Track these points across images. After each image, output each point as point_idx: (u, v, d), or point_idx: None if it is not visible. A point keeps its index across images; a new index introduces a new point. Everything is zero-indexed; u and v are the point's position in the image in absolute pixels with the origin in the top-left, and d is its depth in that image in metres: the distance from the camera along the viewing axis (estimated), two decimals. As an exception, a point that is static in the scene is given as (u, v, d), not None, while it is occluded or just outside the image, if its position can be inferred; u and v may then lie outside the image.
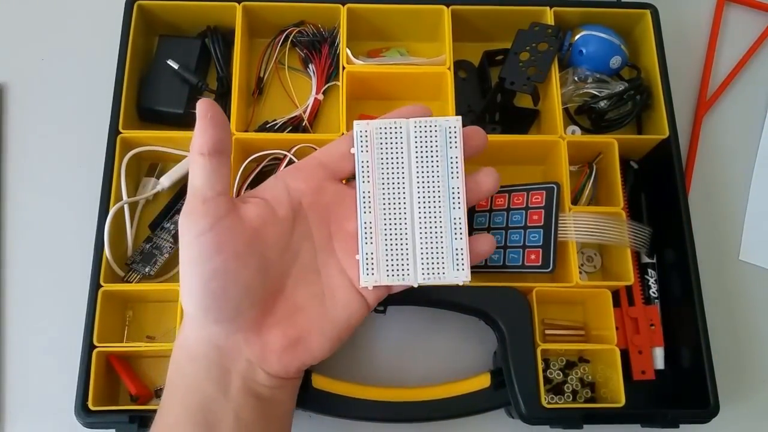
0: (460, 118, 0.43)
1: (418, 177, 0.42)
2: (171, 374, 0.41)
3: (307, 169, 0.43)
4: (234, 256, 0.38)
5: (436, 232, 0.42)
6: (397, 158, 0.43)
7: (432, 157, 0.42)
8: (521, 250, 0.55)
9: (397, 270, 0.42)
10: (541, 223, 0.55)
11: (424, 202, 0.42)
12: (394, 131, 0.43)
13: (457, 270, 0.42)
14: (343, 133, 0.57)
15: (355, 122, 0.43)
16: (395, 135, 0.43)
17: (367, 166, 0.43)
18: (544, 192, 0.56)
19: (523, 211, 0.56)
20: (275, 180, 0.43)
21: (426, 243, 0.42)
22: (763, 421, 0.59)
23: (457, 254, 0.42)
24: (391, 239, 0.42)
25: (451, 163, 0.42)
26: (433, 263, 0.42)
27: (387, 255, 0.42)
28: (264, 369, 0.41)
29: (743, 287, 0.62)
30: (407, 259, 0.42)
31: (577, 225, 0.54)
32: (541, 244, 0.54)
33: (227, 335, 0.40)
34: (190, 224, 0.38)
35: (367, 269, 0.42)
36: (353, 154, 0.43)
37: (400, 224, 0.42)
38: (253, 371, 0.40)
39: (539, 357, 0.52)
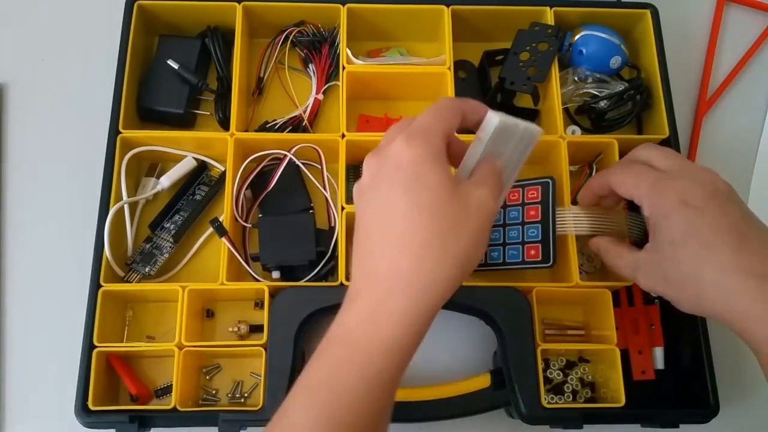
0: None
1: None
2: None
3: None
4: None
5: None
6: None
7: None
8: (520, 246, 0.55)
9: None
10: (539, 219, 0.55)
11: None
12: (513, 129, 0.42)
13: None
14: (343, 134, 0.57)
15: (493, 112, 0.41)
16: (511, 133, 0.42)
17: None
18: (540, 187, 0.56)
19: (520, 207, 0.56)
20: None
21: None
22: (763, 421, 0.59)
23: None
24: None
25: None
26: None
27: None
28: None
29: (743, 287, 0.62)
30: None
31: (576, 218, 0.54)
32: (540, 239, 0.54)
33: None
34: (500, 199, 0.40)
35: None
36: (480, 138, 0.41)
37: None
38: None
39: (539, 357, 0.52)
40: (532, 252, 0.54)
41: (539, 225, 0.55)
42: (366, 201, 0.39)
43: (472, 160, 0.41)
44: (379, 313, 0.36)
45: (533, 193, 0.56)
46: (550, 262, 0.53)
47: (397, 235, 0.37)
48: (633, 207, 0.59)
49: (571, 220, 0.54)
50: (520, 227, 0.56)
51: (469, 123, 0.41)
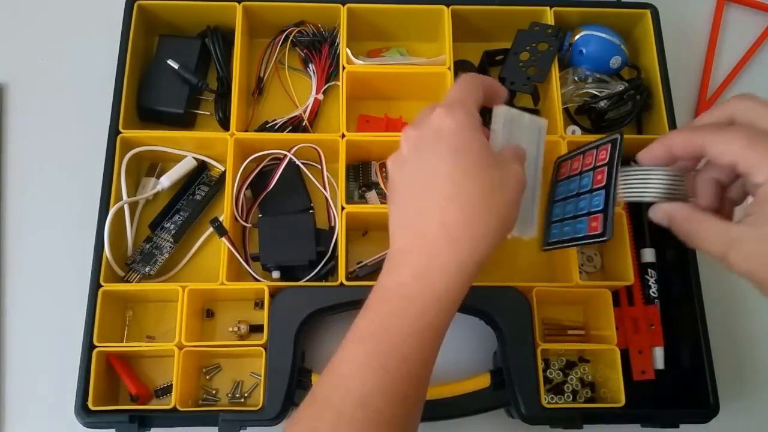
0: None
1: None
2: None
3: None
4: None
5: None
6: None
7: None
8: (586, 218, 0.48)
9: None
10: (603, 183, 0.47)
11: None
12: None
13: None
14: (343, 134, 0.57)
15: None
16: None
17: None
18: (610, 145, 0.48)
19: (591, 172, 0.49)
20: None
21: None
22: (763, 421, 0.59)
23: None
24: None
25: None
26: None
27: None
28: None
29: (743, 287, 0.62)
30: None
31: (645, 179, 0.44)
32: (602, 208, 0.46)
33: None
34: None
35: None
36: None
37: None
38: None
39: (539, 357, 0.52)
40: (594, 224, 0.47)
41: (603, 191, 0.47)
42: (409, 168, 0.41)
43: (495, 148, 0.44)
44: (431, 267, 0.38)
45: (603, 154, 0.48)
46: (606, 236, 0.46)
47: (446, 195, 0.39)
48: (635, 215, 0.59)
49: (640, 182, 0.44)
50: (589, 195, 0.48)
51: (488, 97, 0.44)
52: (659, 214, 0.42)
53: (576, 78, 0.61)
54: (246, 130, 0.61)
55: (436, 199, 0.39)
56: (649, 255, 0.59)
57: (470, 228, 0.39)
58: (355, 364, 0.38)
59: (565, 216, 0.51)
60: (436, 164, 0.40)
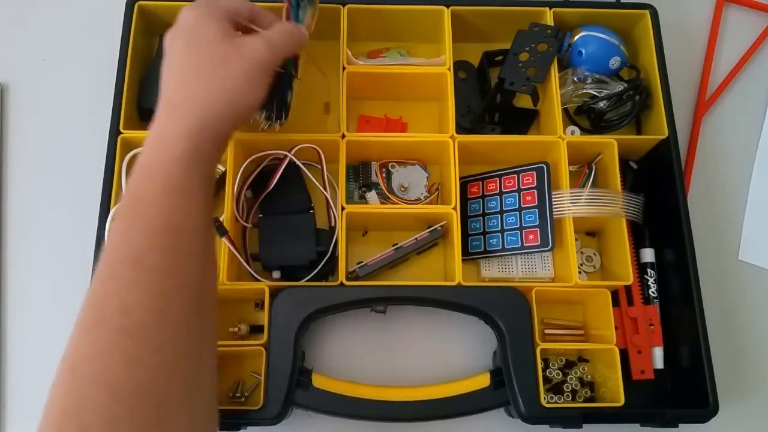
0: None
1: None
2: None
3: None
4: None
5: None
6: None
7: None
8: (519, 231, 0.57)
9: None
10: (535, 204, 0.57)
11: None
12: None
13: None
14: (343, 135, 0.57)
15: None
16: None
17: None
18: (535, 172, 0.58)
19: (516, 194, 0.58)
20: None
21: None
22: (763, 421, 0.59)
23: None
24: None
25: None
26: None
27: None
28: None
29: (742, 287, 0.62)
30: None
31: (573, 201, 0.56)
32: (537, 223, 0.56)
33: None
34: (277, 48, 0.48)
35: None
36: None
37: None
38: None
39: (539, 357, 0.52)
40: (531, 237, 0.56)
41: (536, 210, 0.56)
42: (166, 60, 0.48)
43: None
44: (163, 136, 0.44)
45: (528, 179, 0.58)
46: (549, 246, 0.55)
47: (176, 78, 0.46)
48: (632, 188, 0.59)
49: (568, 203, 0.56)
50: (518, 213, 0.57)
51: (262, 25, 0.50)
52: None
53: (575, 78, 0.61)
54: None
55: (171, 82, 0.46)
56: (648, 255, 0.59)
57: (195, 100, 0.44)
58: (121, 232, 0.41)
59: (489, 230, 0.58)
60: (172, 53, 0.47)
